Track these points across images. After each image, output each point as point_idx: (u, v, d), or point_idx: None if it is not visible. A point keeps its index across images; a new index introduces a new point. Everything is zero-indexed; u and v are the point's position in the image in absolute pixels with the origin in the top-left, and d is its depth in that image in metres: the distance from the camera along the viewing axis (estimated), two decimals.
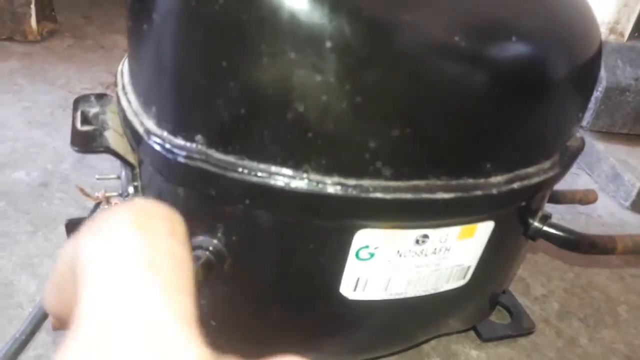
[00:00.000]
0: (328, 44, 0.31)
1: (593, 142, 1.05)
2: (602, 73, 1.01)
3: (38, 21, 1.21)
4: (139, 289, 0.14)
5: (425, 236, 0.39)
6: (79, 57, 1.20)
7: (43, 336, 0.53)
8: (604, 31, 1.04)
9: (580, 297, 0.73)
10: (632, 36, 1.05)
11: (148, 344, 0.13)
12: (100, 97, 0.48)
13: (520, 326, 0.64)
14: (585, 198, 0.64)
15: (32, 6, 1.18)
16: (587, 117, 1.04)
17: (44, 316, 0.42)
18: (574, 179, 1.03)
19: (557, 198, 0.62)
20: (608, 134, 1.06)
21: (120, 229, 0.16)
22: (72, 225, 0.44)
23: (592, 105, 1.03)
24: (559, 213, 0.89)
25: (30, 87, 1.04)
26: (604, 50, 1.04)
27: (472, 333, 0.63)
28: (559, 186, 0.96)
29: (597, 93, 1.02)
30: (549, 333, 0.66)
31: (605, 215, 0.94)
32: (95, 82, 1.10)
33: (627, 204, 0.95)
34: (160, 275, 0.15)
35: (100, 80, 1.10)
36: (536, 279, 0.75)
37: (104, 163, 0.81)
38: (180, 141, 0.36)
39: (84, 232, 0.16)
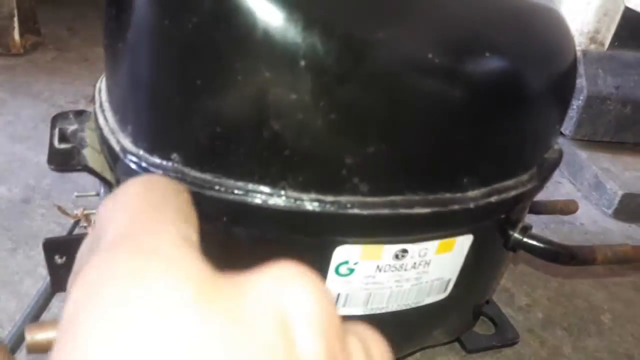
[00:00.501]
0: (302, 63, 0.31)
1: (576, 150, 1.06)
2: (583, 82, 1.02)
3: (21, 34, 1.20)
4: (147, 219, 0.16)
5: (405, 251, 0.39)
6: (63, 70, 1.19)
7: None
8: (584, 40, 1.05)
9: (564, 306, 0.73)
10: (612, 45, 1.06)
11: (153, 257, 0.14)
12: (79, 114, 0.48)
13: (504, 337, 0.64)
14: (566, 208, 0.64)
15: (15, 19, 1.18)
16: (570, 126, 1.05)
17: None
18: (557, 188, 1.03)
19: (538, 209, 0.62)
20: (590, 142, 1.07)
21: (130, 186, 0.18)
22: (51, 244, 0.44)
23: (574, 114, 1.04)
24: (542, 222, 0.90)
25: (13, 101, 1.03)
26: (585, 60, 1.06)
27: (457, 344, 0.63)
28: (541, 196, 0.97)
29: (579, 102, 1.03)
30: (533, 343, 0.66)
31: (588, 224, 0.94)
32: (78, 95, 1.09)
33: (610, 211, 0.96)
34: (167, 209, 0.17)
35: (83, 93, 1.10)
36: (520, 289, 0.75)
37: (86, 178, 0.79)
38: (156, 159, 0.36)
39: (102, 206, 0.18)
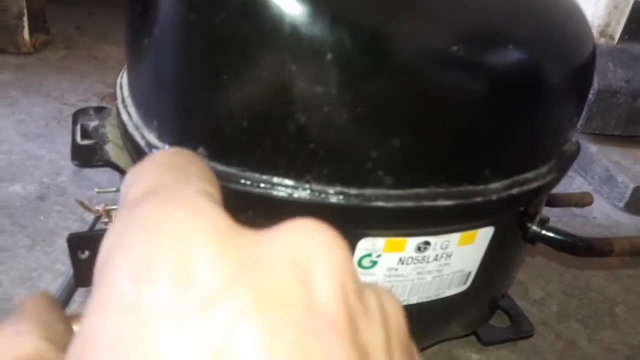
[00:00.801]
0: (329, 56, 0.31)
1: (586, 144, 1.06)
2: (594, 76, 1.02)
3: (31, 33, 1.21)
4: (170, 177, 0.16)
5: (427, 243, 0.40)
6: (73, 69, 1.19)
7: None
8: (594, 34, 1.05)
9: (579, 298, 0.73)
10: (622, 39, 1.06)
11: (176, 205, 0.15)
12: (99, 110, 0.48)
13: (519, 329, 0.64)
14: (581, 201, 0.64)
15: (25, 18, 1.18)
16: (580, 120, 1.05)
17: None
18: (569, 182, 1.03)
19: (554, 202, 0.63)
20: (601, 136, 1.07)
21: (152, 157, 0.18)
22: (74, 240, 0.44)
23: (584, 107, 1.04)
24: (555, 216, 0.90)
25: (24, 99, 1.03)
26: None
27: (472, 337, 0.63)
28: (555, 190, 0.97)
29: (589, 95, 1.03)
30: (549, 335, 0.66)
31: (600, 217, 0.95)
32: (89, 93, 1.09)
33: (621, 205, 0.96)
34: (190, 171, 0.17)
35: (94, 91, 1.10)
36: (535, 282, 0.75)
37: (101, 175, 0.81)
38: None
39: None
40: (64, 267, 0.65)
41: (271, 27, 0.31)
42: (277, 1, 0.30)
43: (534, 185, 0.41)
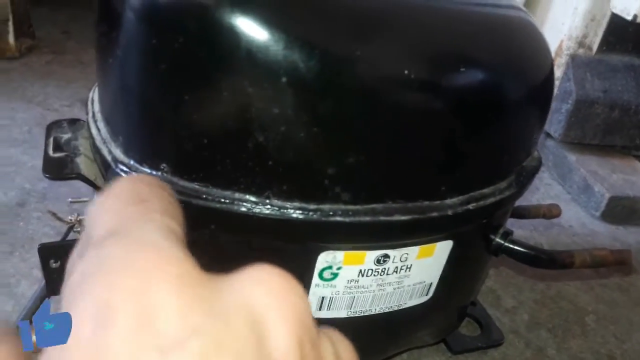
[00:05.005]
0: (284, 79, 0.32)
1: (565, 153, 1.07)
2: (572, 86, 1.04)
3: (16, 37, 1.21)
4: (133, 213, 0.17)
5: (386, 256, 0.41)
6: (58, 74, 1.20)
7: None
8: (573, 45, 1.07)
9: (550, 307, 0.75)
10: (600, 50, 1.08)
11: (138, 247, 0.15)
12: (73, 122, 0.49)
13: (489, 338, 0.66)
14: (549, 212, 0.66)
15: (10, 23, 1.18)
16: (559, 129, 1.07)
17: None
18: (547, 190, 1.05)
19: (521, 213, 0.64)
20: (579, 145, 1.09)
21: (115, 187, 0.19)
22: (45, 249, 0.45)
23: (563, 117, 1.06)
24: (532, 225, 0.91)
25: (7, 104, 1.04)
26: (573, 64, 1.07)
27: (442, 346, 0.64)
28: (531, 199, 0.98)
29: (568, 105, 1.05)
30: (518, 344, 0.68)
31: (577, 226, 0.96)
32: (73, 98, 1.10)
33: (598, 214, 0.98)
34: (152, 203, 0.18)
35: (78, 97, 1.11)
36: (507, 291, 0.76)
37: (81, 183, 0.81)
38: (146, 169, 0.37)
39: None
40: (42, 274, 0.65)
41: (228, 52, 0.32)
42: (232, 27, 0.32)
43: (492, 200, 0.42)
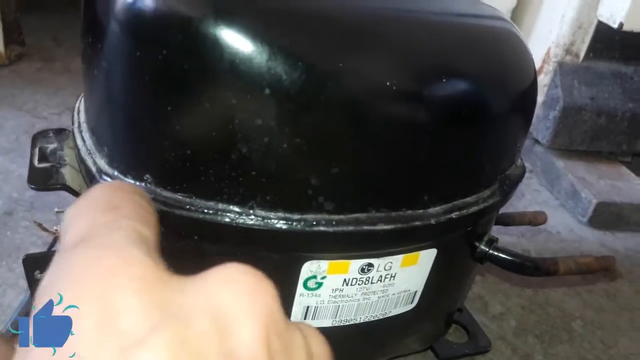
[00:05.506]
0: (267, 91, 0.32)
1: (553, 159, 1.08)
2: (560, 93, 1.05)
3: (6, 45, 1.21)
4: (104, 219, 0.17)
5: (370, 265, 0.41)
6: (48, 81, 1.20)
7: None
8: (560, 52, 1.08)
9: (537, 314, 0.75)
10: (587, 57, 1.09)
11: (104, 252, 0.16)
12: (59, 132, 0.49)
13: (476, 344, 0.66)
14: (535, 220, 0.66)
15: (0, 30, 1.18)
16: (547, 135, 1.08)
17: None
18: (535, 196, 1.06)
19: (507, 221, 0.64)
20: (567, 152, 1.10)
21: (90, 193, 0.19)
22: (30, 260, 0.45)
23: (550, 124, 1.07)
24: (519, 231, 0.92)
25: None
26: (561, 71, 1.08)
27: (430, 352, 0.64)
28: (519, 205, 0.99)
29: (555, 112, 1.06)
30: (505, 350, 0.68)
31: (564, 232, 0.97)
32: (62, 106, 1.10)
33: (585, 220, 0.98)
34: (125, 209, 0.18)
35: (68, 104, 1.10)
36: (494, 298, 0.77)
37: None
38: (130, 180, 0.37)
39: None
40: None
41: (211, 64, 0.32)
42: (216, 39, 0.32)
43: (475, 209, 0.43)
